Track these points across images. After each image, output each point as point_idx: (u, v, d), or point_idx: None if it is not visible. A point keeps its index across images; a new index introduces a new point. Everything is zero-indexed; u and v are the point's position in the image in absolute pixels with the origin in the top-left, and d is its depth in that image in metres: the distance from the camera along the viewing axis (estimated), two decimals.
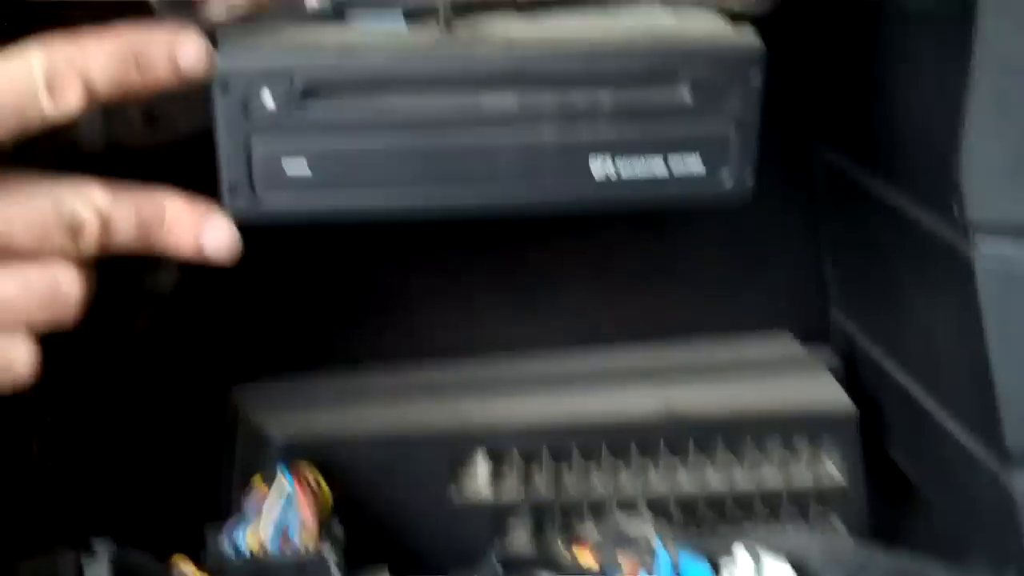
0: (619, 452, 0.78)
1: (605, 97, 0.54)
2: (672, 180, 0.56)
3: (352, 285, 0.82)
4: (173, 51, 0.47)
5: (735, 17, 0.58)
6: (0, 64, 0.45)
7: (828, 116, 0.84)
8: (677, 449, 0.79)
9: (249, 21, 0.52)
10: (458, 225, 0.80)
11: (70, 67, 0.45)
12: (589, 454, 0.78)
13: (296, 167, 0.52)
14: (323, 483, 0.67)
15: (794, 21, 0.78)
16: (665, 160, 0.56)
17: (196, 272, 0.60)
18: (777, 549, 0.68)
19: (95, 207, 0.47)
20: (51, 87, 0.45)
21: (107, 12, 0.49)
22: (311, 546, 0.61)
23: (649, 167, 0.55)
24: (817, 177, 0.87)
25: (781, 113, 0.84)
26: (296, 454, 0.69)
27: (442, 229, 0.80)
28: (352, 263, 0.81)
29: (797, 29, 0.80)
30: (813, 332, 0.91)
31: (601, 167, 0.55)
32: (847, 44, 0.78)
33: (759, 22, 0.59)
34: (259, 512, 0.63)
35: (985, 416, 0.68)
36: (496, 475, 0.76)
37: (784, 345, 0.90)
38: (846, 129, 0.81)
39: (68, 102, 0.45)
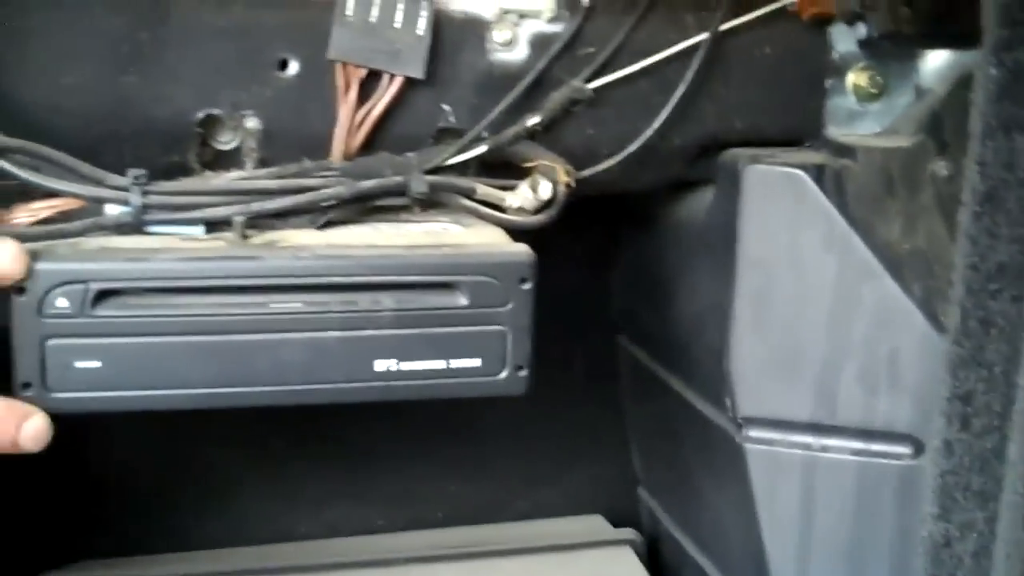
0: None
1: (387, 301, 0.59)
2: (451, 376, 0.60)
3: (168, 468, 0.84)
4: None
5: (516, 230, 0.64)
6: None
7: (628, 313, 0.91)
8: None
9: (51, 229, 0.56)
10: (276, 410, 0.83)
11: None
12: None
13: (88, 367, 0.55)
14: None
15: (601, 231, 0.86)
16: (444, 359, 0.60)
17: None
18: None
19: None
20: None
21: None
22: None
23: (429, 365, 0.60)
24: (621, 369, 0.94)
25: (592, 310, 0.92)
26: None
27: (259, 415, 0.83)
28: (167, 446, 0.83)
29: (600, 240, 0.88)
30: (624, 513, 0.96)
31: (382, 365, 0.59)
32: (639, 251, 0.86)
33: (573, 230, 0.65)
34: None
35: None
36: None
37: (593, 525, 0.94)
38: (641, 326, 0.88)
39: None
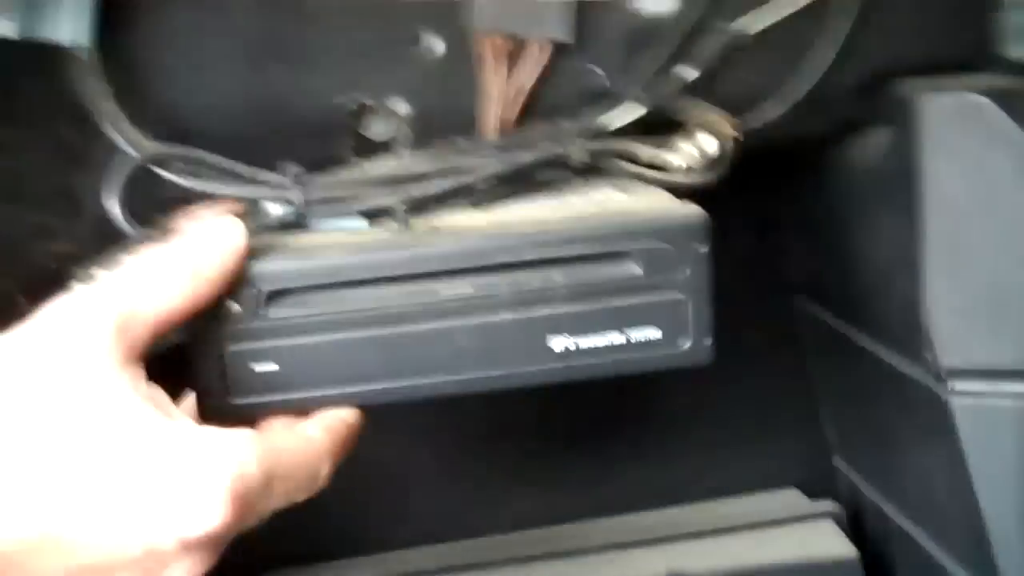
0: None
1: (558, 277, 0.56)
2: (631, 350, 0.58)
3: (343, 470, 0.84)
4: None
5: (682, 192, 0.61)
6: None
7: (805, 272, 0.87)
8: None
9: None
10: (452, 406, 0.82)
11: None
12: None
13: (265, 367, 0.54)
14: None
15: (767, 187, 0.82)
16: (622, 332, 0.58)
17: None
18: None
19: None
20: None
21: None
22: None
23: (607, 339, 0.57)
24: (803, 331, 0.90)
25: (765, 272, 0.88)
26: None
27: (436, 411, 0.82)
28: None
29: (764, 197, 0.84)
30: (820, 485, 0.91)
31: (560, 343, 0.57)
32: (811, 203, 0.82)
33: (737, 188, 0.62)
34: None
35: (981, 558, 0.68)
36: None
37: (789, 500, 0.90)
38: (821, 283, 0.84)
39: None
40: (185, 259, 0.50)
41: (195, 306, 0.50)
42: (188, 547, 0.46)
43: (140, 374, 0.48)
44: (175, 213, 0.55)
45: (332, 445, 0.53)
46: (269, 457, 0.48)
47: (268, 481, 0.48)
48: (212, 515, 0.45)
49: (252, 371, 0.54)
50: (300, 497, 0.51)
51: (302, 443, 0.52)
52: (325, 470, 0.52)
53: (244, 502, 0.47)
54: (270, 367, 0.55)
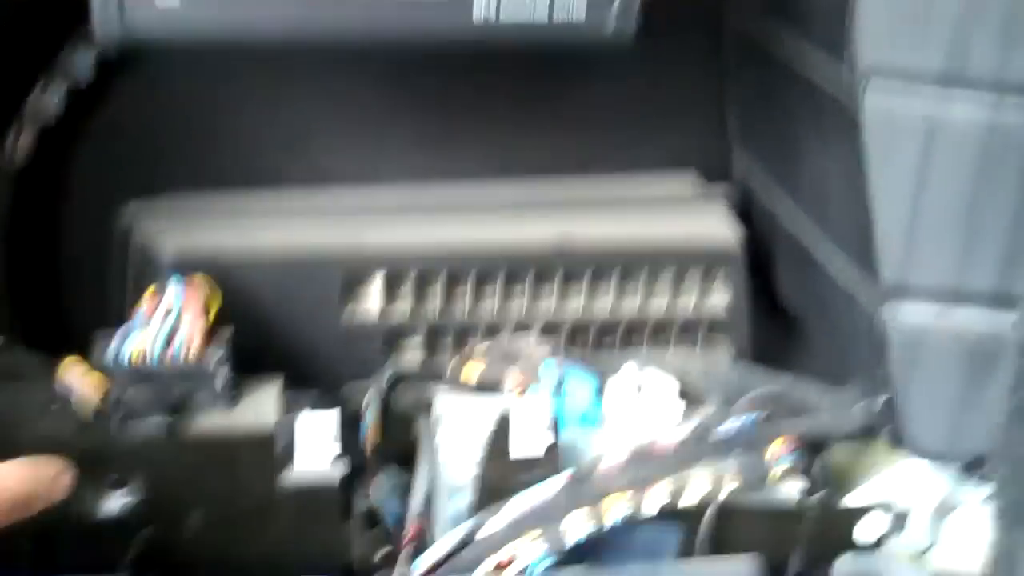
0: (514, 278, 0.79)
1: None
2: (554, 22, 0.56)
3: (254, 109, 0.82)
4: None
5: None
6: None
7: None
8: (571, 277, 0.80)
9: None
10: (365, 57, 0.79)
11: None
12: (484, 279, 0.79)
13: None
14: (214, 294, 0.67)
15: None
16: (548, 2, 0.55)
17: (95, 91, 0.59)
18: (661, 367, 0.72)
19: None
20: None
21: None
22: (195, 354, 0.62)
23: (531, 10, 0.55)
24: (728, 21, 0.88)
25: None
26: (187, 269, 0.69)
27: (349, 60, 0.79)
28: (254, 87, 0.81)
29: None
30: (718, 171, 0.92)
31: (483, 6, 0.54)
32: None
33: None
34: (147, 322, 0.64)
35: (864, 251, 0.70)
36: (390, 296, 0.78)
37: (684, 182, 0.91)
38: None
39: None
40: None
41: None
42: None
43: None
44: None
45: None
46: None
47: None
48: None
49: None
50: None
51: None
52: None
53: None
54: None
